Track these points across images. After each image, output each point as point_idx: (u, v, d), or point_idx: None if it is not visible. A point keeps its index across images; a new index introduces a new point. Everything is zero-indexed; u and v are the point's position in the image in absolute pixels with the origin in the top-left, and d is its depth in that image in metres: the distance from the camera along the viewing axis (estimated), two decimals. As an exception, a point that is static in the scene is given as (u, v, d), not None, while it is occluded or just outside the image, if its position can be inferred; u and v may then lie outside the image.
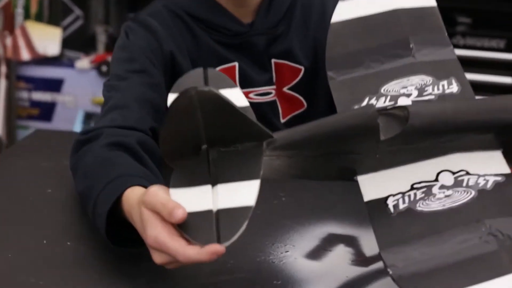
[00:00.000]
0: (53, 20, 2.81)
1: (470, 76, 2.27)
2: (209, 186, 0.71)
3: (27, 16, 2.79)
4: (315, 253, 0.87)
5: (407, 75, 0.85)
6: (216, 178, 0.72)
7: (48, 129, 1.49)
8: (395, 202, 0.74)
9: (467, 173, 0.75)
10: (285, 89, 1.18)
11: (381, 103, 0.83)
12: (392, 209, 0.74)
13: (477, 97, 0.85)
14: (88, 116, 2.68)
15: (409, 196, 0.74)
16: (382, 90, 0.85)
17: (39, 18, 2.82)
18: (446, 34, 0.90)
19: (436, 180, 0.75)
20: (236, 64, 1.15)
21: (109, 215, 0.82)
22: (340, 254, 0.87)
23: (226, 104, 0.69)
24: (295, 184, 1.00)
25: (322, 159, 0.77)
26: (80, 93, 2.68)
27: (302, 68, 1.17)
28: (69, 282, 0.80)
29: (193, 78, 0.79)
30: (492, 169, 0.76)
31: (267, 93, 1.17)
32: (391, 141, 0.75)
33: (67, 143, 1.00)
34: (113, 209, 0.82)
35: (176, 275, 0.80)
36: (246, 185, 0.71)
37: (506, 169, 0.77)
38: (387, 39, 0.89)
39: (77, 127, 2.64)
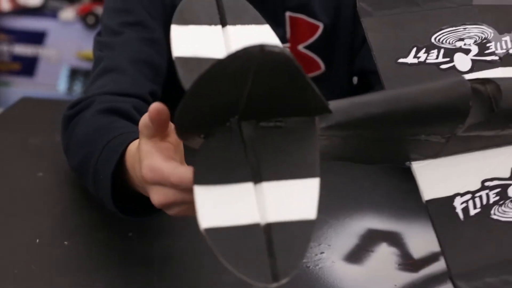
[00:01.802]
0: None
1: None
2: (250, 185, 0.49)
3: (5, -38, 2.66)
4: (355, 255, 0.75)
5: (464, 22, 0.70)
6: (259, 171, 0.50)
7: (35, 97, 1.34)
8: (465, 204, 0.60)
9: None
10: (300, 47, 1.05)
11: (432, 57, 0.67)
12: (461, 215, 0.60)
13: None
14: (73, 72, 2.58)
15: (481, 197, 0.61)
16: (433, 40, 0.69)
17: None
18: None
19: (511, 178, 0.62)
20: None
21: (114, 182, 0.68)
22: (384, 255, 0.75)
23: (295, 70, 0.49)
24: (322, 166, 0.88)
25: (383, 142, 0.60)
26: (65, 46, 2.58)
27: (321, 24, 1.04)
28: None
29: (201, 2, 0.59)
30: None
31: None
32: (473, 126, 0.61)
33: (58, 114, 0.87)
34: (117, 172, 0.68)
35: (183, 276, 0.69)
36: (303, 186, 0.50)
37: None
38: None
39: (62, 84, 2.53)
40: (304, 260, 0.72)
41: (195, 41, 0.56)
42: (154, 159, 0.57)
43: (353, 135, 0.57)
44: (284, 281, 0.46)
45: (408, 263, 0.74)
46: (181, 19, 0.58)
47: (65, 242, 0.75)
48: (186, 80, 0.53)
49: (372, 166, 0.70)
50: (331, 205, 0.83)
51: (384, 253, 0.76)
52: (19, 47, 2.58)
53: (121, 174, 0.68)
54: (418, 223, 0.79)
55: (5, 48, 2.59)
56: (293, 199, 0.49)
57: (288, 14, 1.03)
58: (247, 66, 0.46)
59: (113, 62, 0.89)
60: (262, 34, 0.58)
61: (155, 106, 0.55)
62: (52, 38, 2.56)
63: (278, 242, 0.47)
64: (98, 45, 0.93)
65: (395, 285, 0.70)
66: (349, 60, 1.08)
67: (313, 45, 1.05)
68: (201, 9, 0.58)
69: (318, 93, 0.51)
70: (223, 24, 0.57)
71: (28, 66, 2.57)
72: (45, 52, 2.55)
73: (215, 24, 0.57)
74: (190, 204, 0.53)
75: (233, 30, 0.57)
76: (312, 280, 0.70)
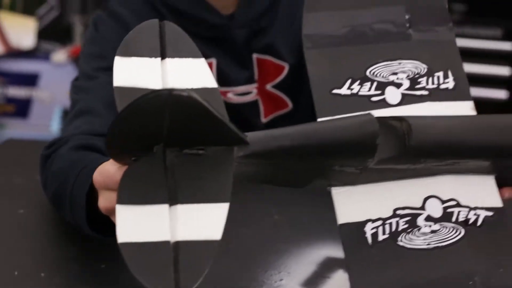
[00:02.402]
0: (27, 10, 2.76)
1: (465, 67, 2.17)
2: (165, 207, 0.56)
3: (-1, 6, 2.74)
4: (313, 281, 0.80)
5: (399, 57, 0.74)
6: (175, 195, 0.56)
7: (22, 139, 1.41)
8: (374, 230, 0.65)
9: (458, 204, 0.67)
10: (268, 86, 1.12)
11: (365, 90, 0.71)
12: (370, 239, 0.65)
13: (472, 95, 0.75)
14: (66, 112, 2.62)
15: (391, 224, 0.66)
16: (368, 73, 0.73)
17: (12, 8, 2.77)
18: (447, 5, 0.78)
19: (423, 208, 0.67)
20: (214, 60, 1.08)
21: (89, 208, 0.73)
22: (341, 281, 0.80)
23: (204, 110, 0.55)
24: (287, 198, 0.93)
25: (299, 171, 0.66)
26: (57, 88, 2.63)
27: (286, 65, 1.11)
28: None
29: (145, 35, 0.64)
30: (484, 200, 0.68)
31: (247, 92, 1.10)
32: (384, 160, 0.66)
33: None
34: (92, 195, 0.72)
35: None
36: (213, 210, 0.56)
37: (498, 201, 0.69)
38: (378, 4, 0.76)
39: (55, 124, 2.59)
40: (262, 287, 0.78)
41: (135, 72, 0.61)
42: (105, 164, 0.62)
43: (270, 163, 0.63)
44: None
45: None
46: (125, 51, 0.64)
47: (42, 274, 0.81)
48: (120, 109, 0.59)
49: (329, 197, 0.75)
50: (293, 235, 0.88)
51: (341, 279, 0.81)
52: (13, 89, 2.64)
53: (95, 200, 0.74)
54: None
55: (-1, 90, 2.68)
56: (202, 220, 0.56)
57: (255, 56, 1.09)
58: (160, 106, 0.53)
59: (87, 104, 0.95)
60: (197, 67, 0.63)
61: None
62: (45, 80, 2.63)
63: (184, 259, 0.54)
64: (74, 89, 1.00)
65: (348, 309, 0.75)
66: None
67: (280, 85, 1.11)
68: (144, 41, 0.63)
69: (232, 128, 0.58)
70: (163, 56, 0.62)
71: (22, 108, 2.63)
72: (38, 93, 2.61)
73: (156, 56, 0.62)
74: None
75: (171, 62, 0.62)
76: (270, 305, 0.75)
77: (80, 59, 1.06)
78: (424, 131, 0.66)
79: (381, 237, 0.65)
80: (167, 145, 0.57)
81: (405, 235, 0.65)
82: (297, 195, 0.79)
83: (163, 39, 0.64)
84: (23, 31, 2.68)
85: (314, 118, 1.14)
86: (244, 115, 1.10)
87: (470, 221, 0.67)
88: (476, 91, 2.15)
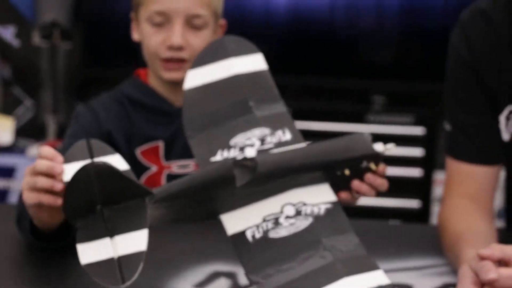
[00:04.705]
0: (6, 110, 2.92)
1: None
2: (108, 239, 0.90)
3: (-20, 108, 2.88)
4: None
5: (250, 129, 1.06)
6: (113, 231, 0.91)
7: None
8: (252, 233, 0.95)
9: (304, 204, 0.98)
10: None
11: (232, 153, 1.04)
12: (250, 238, 0.95)
13: (315, 142, 1.07)
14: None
15: (262, 227, 0.96)
16: (231, 143, 1.05)
17: None
18: (277, 91, 1.12)
19: (282, 212, 0.97)
20: (160, 144, 1.38)
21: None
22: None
23: (117, 173, 0.90)
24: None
25: (193, 205, 0.97)
26: None
27: None
28: None
29: (79, 149, 1.00)
30: (323, 199, 0.99)
31: (187, 165, 1.40)
32: (244, 186, 0.97)
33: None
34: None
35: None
36: (138, 234, 0.90)
37: (333, 197, 1.00)
38: (232, 101, 1.09)
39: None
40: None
41: (71, 172, 0.95)
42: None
43: (173, 204, 0.96)
44: (128, 283, 0.87)
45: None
46: (66, 160, 1.01)
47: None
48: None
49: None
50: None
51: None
52: None
53: None
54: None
55: (-22, 183, 2.78)
56: (132, 241, 0.91)
57: None
58: (88, 175, 0.89)
59: None
60: (114, 160, 0.98)
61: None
62: (21, 172, 2.74)
63: (124, 265, 0.88)
64: None
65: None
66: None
67: (215, 161, 1.41)
68: (79, 151, 1.00)
69: (139, 184, 0.95)
70: (91, 157, 0.99)
71: (0, 198, 2.75)
72: (15, 184, 2.75)
73: (86, 158, 0.98)
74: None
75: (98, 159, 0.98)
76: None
77: (64, 138, 1.39)
78: (264, 162, 0.99)
79: (257, 235, 0.95)
80: (103, 204, 0.92)
81: (273, 230, 0.96)
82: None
83: (90, 149, 0.99)
84: (2, 129, 2.81)
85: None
86: None
87: (315, 212, 0.97)
88: (394, 170, 2.33)
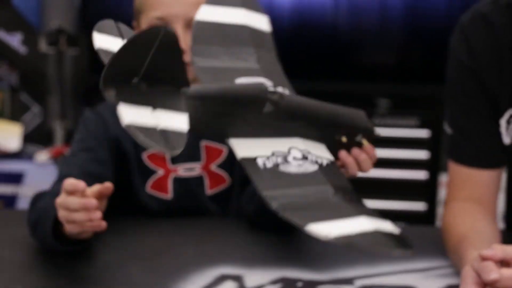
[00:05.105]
0: (14, 117, 2.94)
1: (389, 152, 2.50)
2: (149, 108, 0.90)
3: (-12, 114, 2.91)
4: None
5: (253, 76, 1.09)
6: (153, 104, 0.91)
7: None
8: (263, 161, 0.97)
9: (309, 152, 1.01)
10: (212, 166, 1.41)
11: None
12: (262, 166, 0.96)
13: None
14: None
15: (272, 159, 0.98)
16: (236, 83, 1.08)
17: (1, 115, 2.94)
18: (275, 52, 1.16)
19: (289, 152, 1.00)
20: None
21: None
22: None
23: (177, 47, 0.91)
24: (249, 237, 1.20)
25: (216, 116, 0.98)
26: (40, 185, 2.60)
27: (225, 148, 1.40)
28: None
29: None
30: (323, 154, 1.03)
31: (193, 168, 1.40)
32: (267, 115, 1.00)
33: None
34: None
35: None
36: (176, 115, 0.92)
37: (331, 156, 1.04)
38: (239, 44, 1.13)
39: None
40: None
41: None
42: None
43: (201, 105, 0.96)
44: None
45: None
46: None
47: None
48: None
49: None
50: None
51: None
52: (0, 187, 2.78)
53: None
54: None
55: (-13, 189, 2.80)
56: (173, 119, 0.92)
57: (204, 143, 1.40)
58: (154, 37, 0.87)
59: (66, 172, 1.27)
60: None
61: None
62: (29, 178, 2.76)
63: (168, 134, 0.90)
64: (60, 163, 1.36)
65: None
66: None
67: (221, 164, 1.40)
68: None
69: (185, 70, 0.94)
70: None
71: (9, 203, 2.77)
72: (23, 190, 2.76)
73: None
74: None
75: None
76: None
77: (72, 143, 1.40)
78: (291, 100, 1.02)
79: (268, 165, 0.97)
80: (142, 79, 0.91)
81: (283, 165, 0.97)
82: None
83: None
84: (10, 135, 2.83)
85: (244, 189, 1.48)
86: (191, 188, 1.40)
87: (319, 162, 1.00)
88: (400, 173, 2.39)
